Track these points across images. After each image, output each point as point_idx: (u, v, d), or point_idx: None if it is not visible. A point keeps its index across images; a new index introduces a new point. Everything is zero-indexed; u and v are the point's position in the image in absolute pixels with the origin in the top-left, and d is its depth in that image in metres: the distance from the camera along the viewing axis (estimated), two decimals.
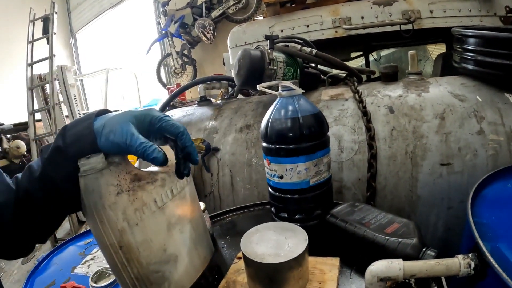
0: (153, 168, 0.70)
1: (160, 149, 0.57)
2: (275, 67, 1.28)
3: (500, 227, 0.79)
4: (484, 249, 0.68)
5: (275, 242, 0.64)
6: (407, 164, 1.09)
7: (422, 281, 0.68)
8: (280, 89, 0.83)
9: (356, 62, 3.11)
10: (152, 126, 0.60)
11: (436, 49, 3.07)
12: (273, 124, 0.81)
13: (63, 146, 0.58)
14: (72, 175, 0.57)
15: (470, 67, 1.25)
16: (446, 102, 1.15)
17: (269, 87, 0.85)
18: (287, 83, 0.81)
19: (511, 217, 0.81)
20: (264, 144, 0.84)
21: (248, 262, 0.62)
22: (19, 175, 0.65)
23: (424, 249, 0.71)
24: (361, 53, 2.95)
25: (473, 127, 1.09)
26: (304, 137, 0.78)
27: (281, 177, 0.81)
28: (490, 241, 0.73)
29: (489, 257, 0.66)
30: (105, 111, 0.63)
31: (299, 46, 1.41)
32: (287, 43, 1.45)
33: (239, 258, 0.78)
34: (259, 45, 1.40)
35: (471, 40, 1.23)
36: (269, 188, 0.88)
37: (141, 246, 0.59)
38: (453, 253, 0.98)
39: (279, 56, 1.33)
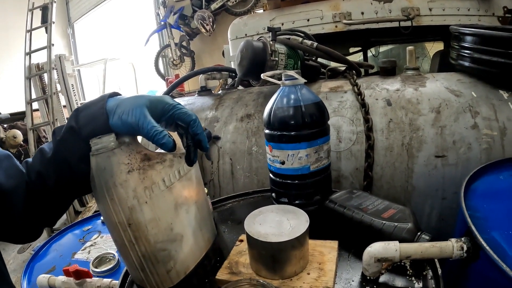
0: (160, 150, 0.72)
1: (170, 135, 0.59)
2: (276, 59, 1.30)
3: (492, 215, 0.83)
4: (476, 232, 0.71)
5: (277, 223, 0.67)
6: (403, 155, 1.12)
7: (416, 264, 0.71)
8: (283, 78, 0.86)
9: (355, 58, 3.13)
10: (165, 112, 0.62)
11: (434, 47, 3.10)
12: (276, 112, 0.83)
13: (77, 127, 0.60)
14: (85, 155, 0.59)
15: (466, 64, 1.28)
16: (442, 97, 1.18)
17: (272, 76, 0.87)
18: (290, 73, 0.83)
19: (502, 207, 0.84)
20: (267, 131, 0.87)
21: (252, 241, 0.65)
22: (30, 159, 0.66)
23: (419, 233, 0.74)
24: (360, 48, 2.98)
25: (468, 122, 1.12)
26: (306, 124, 0.80)
27: (283, 163, 0.83)
28: (482, 228, 0.76)
29: (481, 239, 0.69)
30: (116, 94, 0.65)
31: (300, 39, 1.43)
32: (288, 36, 1.48)
33: (241, 240, 0.80)
34: (261, 36, 1.42)
35: (468, 38, 1.26)
36: (270, 174, 0.91)
37: (150, 224, 0.61)
38: None
39: (281, 48, 1.35)
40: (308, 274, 0.68)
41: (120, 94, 0.66)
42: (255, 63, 1.30)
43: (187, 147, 0.65)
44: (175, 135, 0.71)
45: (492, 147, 1.10)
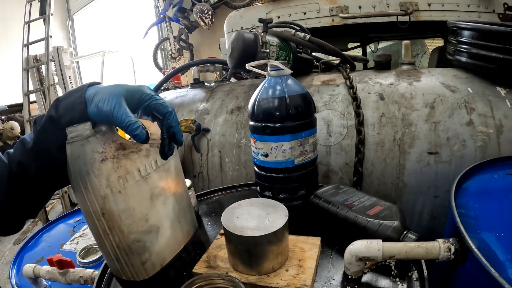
0: None
1: (144, 127, 0.57)
2: (267, 50, 1.27)
3: (483, 215, 0.79)
4: (465, 234, 0.68)
5: (256, 217, 0.65)
6: (394, 151, 1.09)
7: (402, 264, 0.69)
8: (268, 68, 0.82)
9: (353, 53, 3.09)
10: (141, 102, 0.61)
11: (434, 43, 3.06)
12: (260, 103, 0.80)
13: (56, 116, 0.59)
14: (64, 144, 0.58)
15: (463, 59, 1.25)
16: (437, 92, 1.15)
17: (258, 67, 0.83)
18: (276, 63, 0.80)
19: (494, 207, 0.81)
20: (251, 123, 0.84)
21: (228, 235, 0.63)
22: (11, 150, 0.65)
23: (405, 232, 0.71)
24: (359, 44, 2.94)
25: (463, 118, 1.09)
26: (290, 116, 0.77)
27: (266, 155, 0.80)
28: (472, 229, 0.73)
29: (469, 241, 0.66)
30: (97, 83, 0.64)
31: (293, 31, 1.40)
32: (282, 28, 1.44)
33: (222, 234, 0.78)
34: (253, 28, 1.38)
35: (466, 32, 1.22)
36: (255, 167, 0.88)
37: (123, 214, 0.59)
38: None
39: (273, 40, 1.32)
40: (287, 270, 0.65)
41: (100, 83, 0.64)
42: (246, 55, 1.27)
43: (162, 140, 0.63)
44: (155, 125, 0.69)
45: (488, 145, 1.07)
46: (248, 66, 0.85)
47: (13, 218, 0.65)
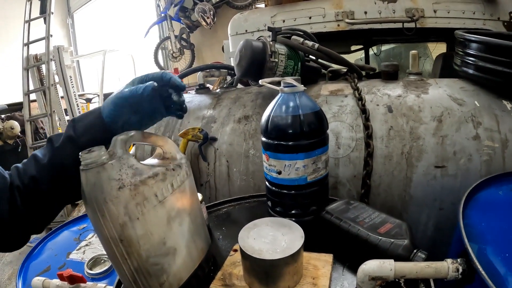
0: (152, 161, 0.70)
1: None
2: (276, 60, 1.27)
3: (489, 233, 0.81)
4: (473, 256, 0.70)
5: (272, 237, 0.65)
6: (402, 164, 1.10)
7: (411, 281, 0.70)
8: (282, 85, 0.83)
9: (356, 56, 3.10)
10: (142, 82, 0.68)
11: (437, 48, 3.07)
12: (274, 120, 0.81)
13: (75, 135, 0.63)
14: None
15: (470, 71, 1.26)
16: (444, 105, 1.16)
17: (271, 83, 0.84)
18: (290, 80, 0.81)
19: (501, 224, 0.83)
20: (264, 139, 0.85)
21: (246, 256, 0.63)
22: (19, 164, 0.67)
23: (415, 251, 0.73)
24: (361, 46, 2.94)
25: (470, 132, 1.10)
26: (304, 134, 0.78)
27: (279, 173, 0.81)
28: (478, 249, 0.75)
29: (477, 263, 0.68)
30: None
31: (301, 39, 1.40)
32: (288, 35, 1.44)
33: (235, 250, 0.79)
34: (261, 36, 1.38)
35: (474, 45, 1.23)
36: (267, 182, 0.89)
37: (142, 239, 0.59)
38: (442, 252, 1.01)
39: (281, 48, 1.32)
40: None
41: None
42: (254, 64, 1.27)
43: (173, 103, 0.70)
44: (171, 143, 0.70)
45: (493, 159, 1.08)
46: (262, 82, 0.86)
47: (18, 233, 0.66)
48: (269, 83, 0.83)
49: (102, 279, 1.11)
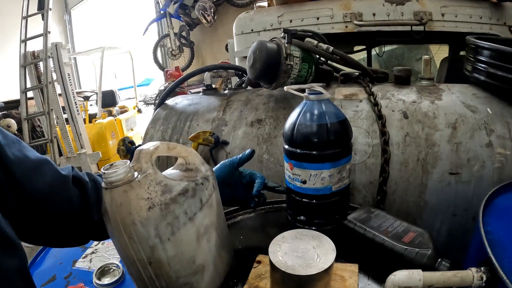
0: (175, 173, 0.68)
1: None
2: (291, 63, 1.26)
3: (508, 240, 0.82)
4: (497, 265, 0.71)
5: (303, 251, 0.64)
6: (418, 170, 1.11)
7: None
8: (307, 92, 0.82)
9: (358, 56, 3.10)
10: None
11: (440, 50, 3.08)
12: (299, 128, 0.80)
13: None
14: None
15: (482, 78, 1.26)
16: (458, 112, 1.16)
17: (297, 90, 0.84)
18: (317, 87, 0.80)
19: None
20: (287, 147, 0.84)
21: (278, 271, 0.62)
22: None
23: (439, 260, 0.74)
24: (364, 47, 2.94)
25: (483, 139, 1.11)
26: (331, 144, 0.78)
27: (304, 182, 0.81)
28: (498, 253, 0.76)
29: (501, 272, 0.69)
30: None
31: (315, 42, 1.39)
32: (302, 37, 1.43)
33: (259, 262, 0.78)
34: (274, 37, 1.37)
35: (485, 52, 1.24)
36: (290, 192, 0.88)
37: (172, 261, 0.57)
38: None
39: (295, 51, 1.31)
40: None
41: None
42: (269, 67, 1.26)
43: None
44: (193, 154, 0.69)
45: (505, 166, 1.10)
46: (287, 89, 0.85)
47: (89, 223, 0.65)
48: (295, 89, 0.82)
49: None
